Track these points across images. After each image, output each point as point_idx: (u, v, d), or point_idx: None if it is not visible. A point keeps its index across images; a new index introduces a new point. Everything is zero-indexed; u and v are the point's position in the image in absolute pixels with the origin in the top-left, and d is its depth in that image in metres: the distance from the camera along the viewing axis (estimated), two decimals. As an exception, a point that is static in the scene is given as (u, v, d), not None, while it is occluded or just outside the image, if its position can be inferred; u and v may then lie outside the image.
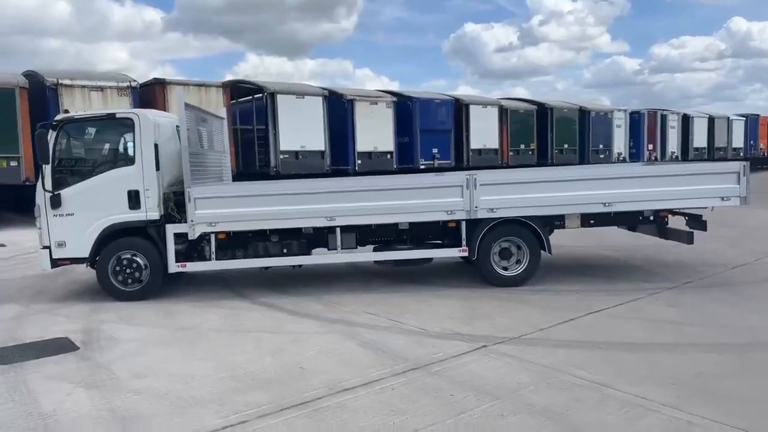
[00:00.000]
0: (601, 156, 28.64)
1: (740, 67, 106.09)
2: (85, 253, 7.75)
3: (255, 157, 19.82)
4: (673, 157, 32.45)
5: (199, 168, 8.34)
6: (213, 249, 7.84)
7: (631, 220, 8.60)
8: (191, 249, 7.98)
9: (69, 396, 4.75)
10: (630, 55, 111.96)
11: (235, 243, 8.00)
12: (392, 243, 8.29)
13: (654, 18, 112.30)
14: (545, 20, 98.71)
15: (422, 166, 21.98)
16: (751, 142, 38.30)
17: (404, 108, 22.20)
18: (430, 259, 8.38)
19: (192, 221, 7.65)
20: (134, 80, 17.26)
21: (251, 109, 20.46)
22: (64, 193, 7.68)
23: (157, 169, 7.75)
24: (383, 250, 8.27)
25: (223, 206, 7.74)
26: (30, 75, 16.52)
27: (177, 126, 8.07)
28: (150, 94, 17.38)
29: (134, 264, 7.82)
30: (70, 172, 7.91)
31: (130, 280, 7.82)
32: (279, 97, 19.23)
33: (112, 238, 7.79)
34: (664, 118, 32.44)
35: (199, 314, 7.21)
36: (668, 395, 4.43)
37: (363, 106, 21.01)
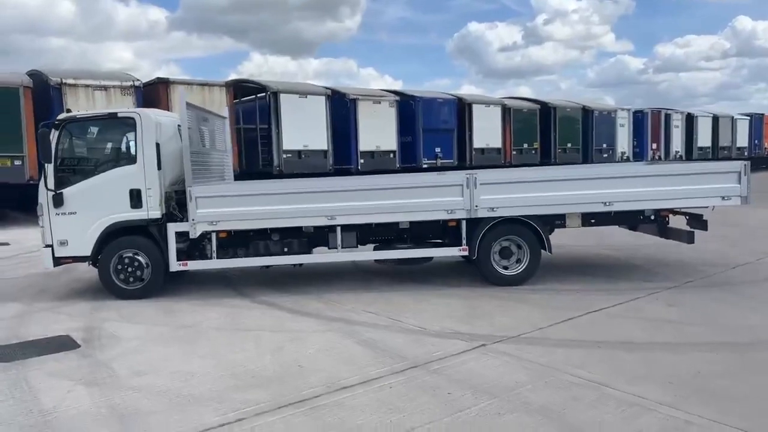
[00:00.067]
0: (605, 155, 28.59)
1: (745, 66, 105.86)
2: (87, 251, 7.80)
3: (258, 156, 19.86)
4: (677, 156, 32.37)
5: (201, 167, 8.37)
6: (214, 248, 7.87)
7: (631, 220, 8.59)
8: (192, 248, 8.02)
9: (69, 393, 4.79)
10: (634, 55, 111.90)
11: (236, 242, 8.03)
12: (393, 242, 8.30)
13: (659, 17, 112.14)
14: (550, 19, 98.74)
15: (425, 166, 21.98)
16: (756, 141, 38.20)
17: (407, 107, 22.23)
18: (430, 258, 8.39)
19: (193, 220, 7.68)
20: (138, 80, 17.33)
21: (254, 108, 20.48)
22: (67, 192, 7.73)
23: (159, 168, 7.79)
24: (384, 249, 8.28)
25: (224, 205, 7.77)
26: (34, 74, 16.59)
27: (179, 125, 8.10)
28: (153, 94, 17.43)
29: (136, 262, 7.85)
30: (73, 171, 7.95)
31: (131, 279, 7.86)
32: (282, 97, 19.28)
33: (113, 236, 7.83)
34: (667, 117, 32.37)
35: (200, 313, 7.24)
36: (666, 394, 4.43)
37: (366, 106, 21.04)
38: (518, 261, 8.10)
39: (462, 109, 23.96)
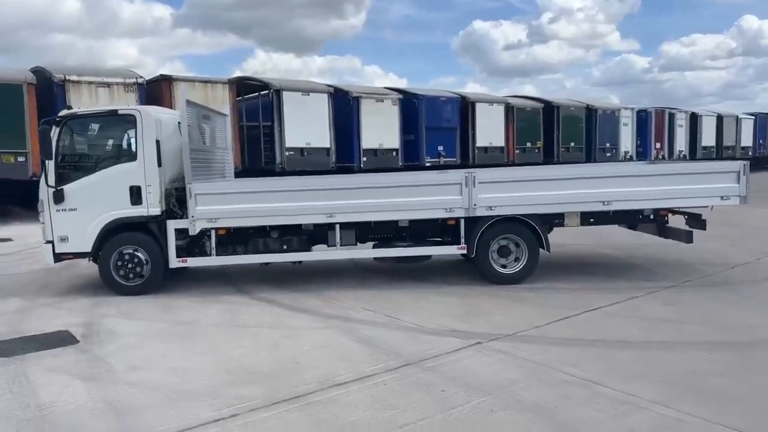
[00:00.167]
0: (608, 154, 28.51)
1: (751, 65, 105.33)
2: (88, 247, 7.84)
3: (261, 153, 19.92)
4: (681, 155, 32.29)
5: (201, 164, 8.40)
6: (213, 245, 7.91)
7: (630, 219, 8.59)
8: (192, 244, 8.06)
9: (66, 388, 4.84)
10: (640, 53, 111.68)
11: (235, 239, 8.07)
12: (392, 240, 8.32)
13: (664, 16, 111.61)
14: (555, 18, 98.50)
15: (428, 164, 21.93)
16: (761, 141, 38.05)
17: (410, 105, 22.21)
18: (429, 257, 8.42)
19: (193, 217, 7.71)
20: (141, 77, 17.39)
21: (257, 105, 20.53)
22: (67, 188, 7.77)
23: (159, 165, 7.82)
24: (382, 247, 8.30)
25: (223, 202, 7.81)
26: (38, 71, 16.66)
27: (179, 122, 8.13)
28: (156, 91, 17.49)
29: (136, 259, 7.90)
30: (73, 167, 7.98)
31: (131, 275, 7.91)
32: (284, 94, 19.30)
33: (114, 233, 7.87)
34: (671, 116, 32.26)
35: (199, 309, 7.28)
36: (659, 393, 4.44)
37: (369, 104, 21.04)
38: (516, 259, 8.11)
39: (465, 107, 23.93)
